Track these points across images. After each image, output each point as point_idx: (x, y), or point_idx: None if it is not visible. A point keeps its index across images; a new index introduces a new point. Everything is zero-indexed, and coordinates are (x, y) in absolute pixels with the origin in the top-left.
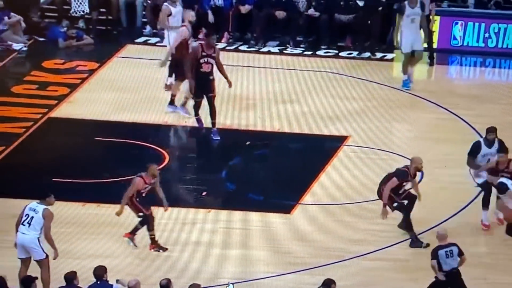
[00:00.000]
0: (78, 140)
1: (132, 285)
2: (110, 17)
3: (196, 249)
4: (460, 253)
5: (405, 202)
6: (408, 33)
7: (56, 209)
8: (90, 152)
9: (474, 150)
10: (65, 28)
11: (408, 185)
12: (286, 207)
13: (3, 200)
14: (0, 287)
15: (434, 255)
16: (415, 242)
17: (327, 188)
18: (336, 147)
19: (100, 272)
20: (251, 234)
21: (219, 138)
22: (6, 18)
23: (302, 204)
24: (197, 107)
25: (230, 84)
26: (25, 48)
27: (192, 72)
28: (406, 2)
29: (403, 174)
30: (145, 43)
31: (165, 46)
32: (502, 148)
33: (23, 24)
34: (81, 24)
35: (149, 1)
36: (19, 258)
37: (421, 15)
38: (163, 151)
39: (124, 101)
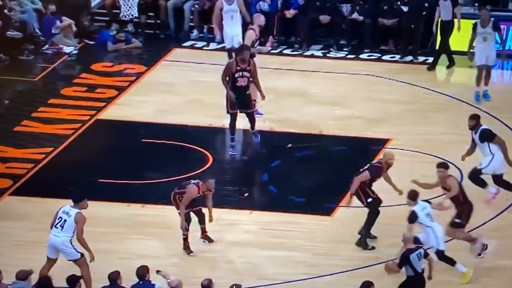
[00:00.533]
0: (124, 141)
1: (174, 285)
2: (158, 21)
3: (238, 250)
4: (426, 254)
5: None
6: (481, 48)
7: (101, 209)
8: (136, 153)
9: None
10: (115, 32)
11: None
12: (326, 210)
13: (51, 201)
14: (46, 286)
15: (406, 260)
16: (363, 243)
17: None
18: (378, 150)
19: (142, 271)
20: (292, 236)
21: (259, 139)
22: (58, 22)
23: (342, 206)
24: (232, 120)
25: (263, 97)
26: (75, 51)
27: (229, 85)
28: (478, 21)
29: (375, 170)
30: (192, 47)
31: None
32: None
33: (74, 28)
34: (130, 27)
35: (196, 6)
36: (47, 257)
37: (493, 34)
38: (207, 153)
39: (170, 104)
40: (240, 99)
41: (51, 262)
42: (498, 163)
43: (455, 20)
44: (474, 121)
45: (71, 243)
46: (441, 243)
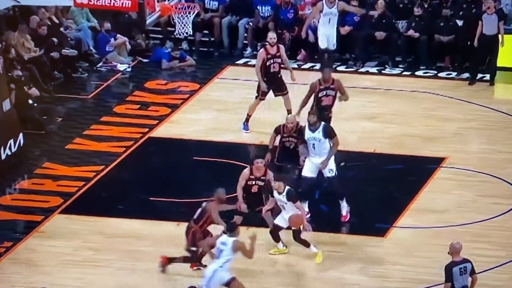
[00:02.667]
0: (176, 159)
1: None
2: (212, 39)
3: (288, 271)
4: (473, 272)
5: None
6: None
7: (151, 228)
8: (188, 171)
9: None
10: (169, 50)
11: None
12: (380, 230)
13: (101, 219)
14: None
15: (448, 273)
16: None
17: (423, 211)
18: (433, 168)
19: None
20: (345, 257)
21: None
22: (112, 39)
23: (397, 227)
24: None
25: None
26: (129, 69)
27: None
28: None
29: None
30: (245, 64)
31: None
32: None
33: (128, 46)
34: (184, 45)
35: (251, 23)
36: None
37: None
38: None
39: (223, 121)
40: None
41: None
42: None
43: (499, 36)
44: None
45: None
46: None
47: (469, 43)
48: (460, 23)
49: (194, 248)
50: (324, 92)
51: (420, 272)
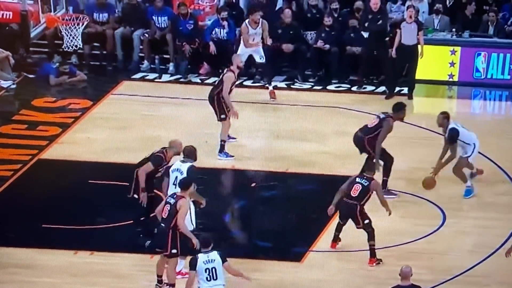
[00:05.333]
0: (70, 183)
1: None
2: (104, 52)
3: None
4: None
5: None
6: None
7: (46, 257)
8: (83, 195)
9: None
10: (57, 64)
11: None
12: (296, 255)
13: None
14: None
15: None
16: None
17: (341, 234)
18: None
19: None
20: (259, 285)
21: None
22: None
23: (313, 251)
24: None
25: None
26: (13, 86)
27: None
28: None
29: (158, 160)
30: (142, 79)
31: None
32: None
33: (12, 60)
34: (74, 59)
35: (146, 35)
36: None
37: None
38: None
39: (121, 141)
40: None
41: None
42: None
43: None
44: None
45: None
46: None
47: (375, 52)
48: (365, 34)
49: None
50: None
51: None
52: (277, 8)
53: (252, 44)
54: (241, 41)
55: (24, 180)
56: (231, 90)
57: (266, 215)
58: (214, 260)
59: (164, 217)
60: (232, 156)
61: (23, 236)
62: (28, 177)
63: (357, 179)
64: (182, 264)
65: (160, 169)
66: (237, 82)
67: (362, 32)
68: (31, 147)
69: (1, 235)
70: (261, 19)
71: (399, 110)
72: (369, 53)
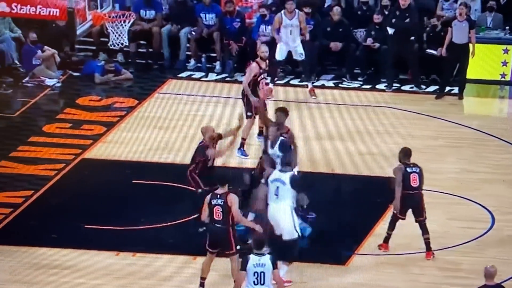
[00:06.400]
0: (114, 183)
1: None
2: (151, 50)
3: None
4: None
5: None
6: None
7: (88, 258)
8: (127, 196)
9: None
10: (103, 62)
11: None
12: (342, 258)
13: (29, 250)
14: None
15: None
16: None
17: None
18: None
19: None
20: None
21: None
22: (39, 52)
23: (359, 254)
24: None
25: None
26: (58, 84)
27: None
28: None
29: (202, 150)
30: (188, 78)
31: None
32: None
33: (58, 58)
34: (119, 57)
35: (193, 33)
36: None
37: None
38: None
39: (165, 141)
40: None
41: None
42: None
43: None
44: None
45: None
46: None
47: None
48: (391, 31)
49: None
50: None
51: None
52: (326, 5)
53: (287, 39)
54: (279, 36)
55: (67, 180)
56: (255, 81)
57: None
58: (264, 265)
59: (219, 218)
60: (247, 156)
61: (65, 237)
62: (71, 177)
63: (409, 169)
64: (285, 269)
65: (209, 158)
66: (264, 74)
67: (388, 28)
68: (75, 146)
69: (44, 235)
70: (297, 10)
71: None
72: (394, 51)
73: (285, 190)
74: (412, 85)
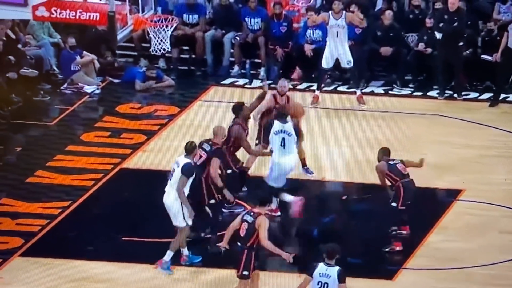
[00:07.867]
0: (153, 194)
1: None
2: (193, 56)
3: None
4: None
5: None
6: None
7: (124, 271)
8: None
9: None
10: (144, 68)
11: None
12: (388, 272)
13: (67, 262)
14: None
15: None
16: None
17: (437, 250)
18: (449, 202)
19: None
20: None
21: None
22: (78, 57)
23: (407, 268)
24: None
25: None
26: (98, 91)
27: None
28: None
29: (218, 152)
30: (232, 84)
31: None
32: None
33: (97, 64)
34: (161, 63)
35: (238, 38)
36: None
37: None
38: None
39: None
40: None
41: None
42: None
43: None
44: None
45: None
46: None
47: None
48: (439, 35)
49: None
50: None
51: None
52: (376, 8)
53: (333, 42)
54: (327, 43)
55: (105, 191)
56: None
57: (357, 229)
58: (330, 276)
59: (242, 235)
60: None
61: (102, 249)
62: (109, 187)
63: (391, 162)
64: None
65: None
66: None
67: (435, 32)
68: (114, 155)
69: (80, 247)
70: (344, 12)
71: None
72: (442, 56)
73: (291, 141)
74: (467, 93)
